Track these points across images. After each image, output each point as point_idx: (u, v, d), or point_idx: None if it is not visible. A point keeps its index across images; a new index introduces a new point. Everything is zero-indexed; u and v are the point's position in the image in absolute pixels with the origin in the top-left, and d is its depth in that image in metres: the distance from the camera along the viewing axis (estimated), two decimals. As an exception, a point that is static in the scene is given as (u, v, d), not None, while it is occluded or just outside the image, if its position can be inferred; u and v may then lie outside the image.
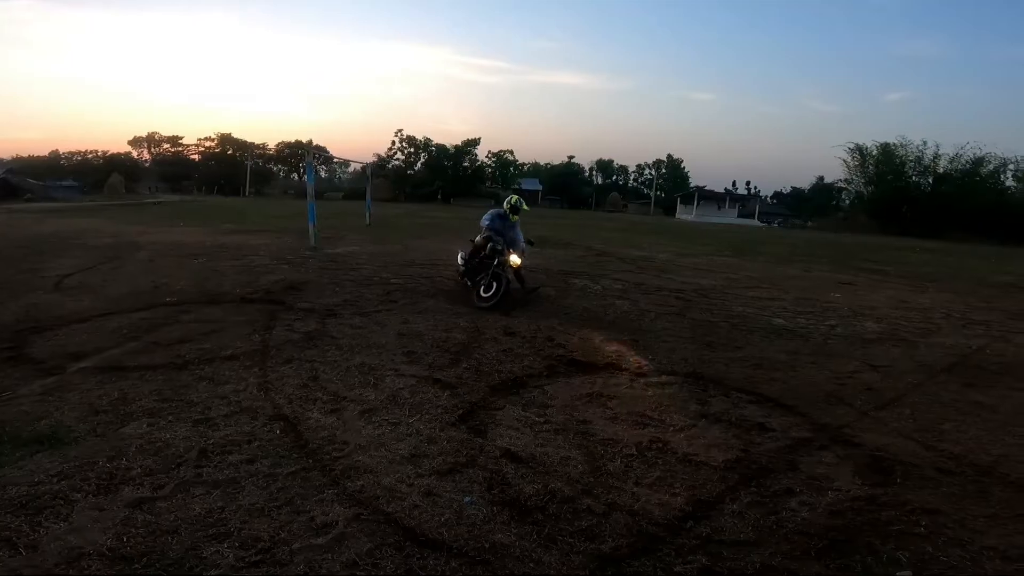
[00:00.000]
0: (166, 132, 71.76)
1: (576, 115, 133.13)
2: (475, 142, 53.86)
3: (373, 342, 4.95)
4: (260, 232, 13.69)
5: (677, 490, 2.76)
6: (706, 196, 56.93)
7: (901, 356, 5.46)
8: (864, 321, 7.03)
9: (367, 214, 17.09)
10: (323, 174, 71.96)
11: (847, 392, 4.31)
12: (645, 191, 73.83)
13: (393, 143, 54.73)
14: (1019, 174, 40.82)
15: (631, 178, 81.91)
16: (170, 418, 3.25)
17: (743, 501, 2.66)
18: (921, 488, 2.84)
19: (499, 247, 6.76)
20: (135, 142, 70.36)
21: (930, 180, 41.33)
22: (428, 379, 4.13)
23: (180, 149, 69.06)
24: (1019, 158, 40.60)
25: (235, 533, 2.22)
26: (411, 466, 2.85)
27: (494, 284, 6.52)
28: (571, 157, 74.65)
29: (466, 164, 54.29)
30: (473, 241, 7.24)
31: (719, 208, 54.60)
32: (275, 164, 67.95)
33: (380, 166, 52.17)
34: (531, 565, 2.17)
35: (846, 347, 5.73)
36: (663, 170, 76.98)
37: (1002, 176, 41.05)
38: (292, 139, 65.47)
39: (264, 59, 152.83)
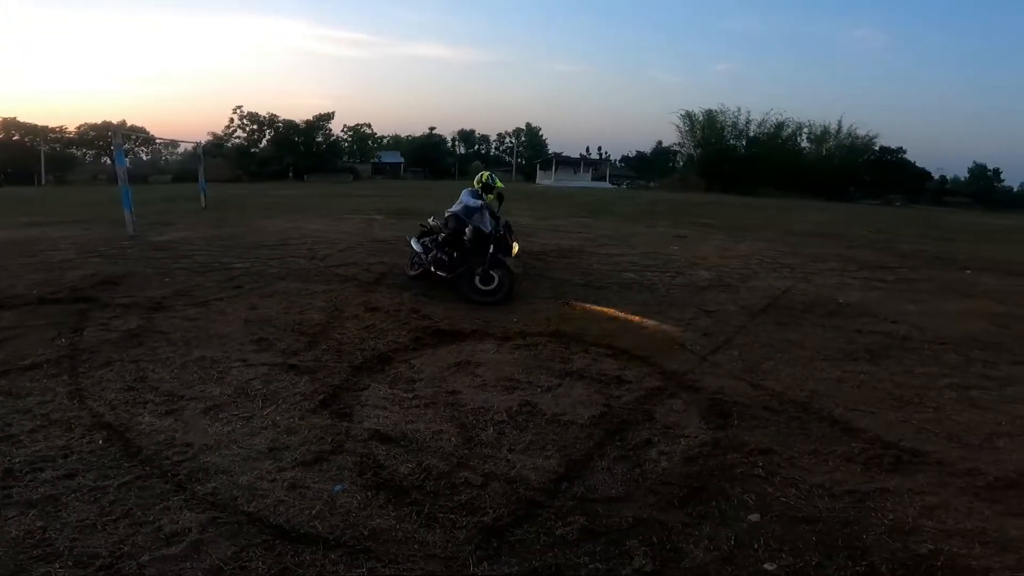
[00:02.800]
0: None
1: (438, 87, 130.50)
2: (328, 116, 50.88)
3: (214, 333, 4.47)
4: (64, 223, 11.55)
5: (550, 452, 2.85)
6: (563, 162, 59.40)
7: (727, 300, 6.18)
8: (697, 270, 7.86)
9: (202, 196, 15.25)
10: (144, 156, 63.71)
11: (688, 338, 4.77)
12: (507, 159, 75.14)
13: (231, 120, 49.67)
14: (812, 136, 48.21)
15: (492, 147, 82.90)
16: (-47, 444, 2.67)
17: (610, 457, 2.82)
18: (754, 428, 3.17)
19: (496, 232, 5.90)
20: None
21: (744, 143, 47.26)
22: (282, 366, 3.83)
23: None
24: (811, 122, 47.97)
25: (66, 552, 2.03)
26: (271, 461, 2.66)
27: (495, 276, 5.73)
28: (433, 128, 73.47)
29: (319, 139, 51.02)
30: (428, 225, 6.65)
31: (575, 173, 57.31)
32: (78, 148, 57.66)
33: (217, 145, 47.07)
34: (415, 547, 2.12)
35: (685, 295, 6.36)
36: (523, 138, 78.92)
37: (798, 138, 48.25)
38: (102, 120, 55.80)
39: (68, 34, 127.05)
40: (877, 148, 47.35)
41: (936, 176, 52.80)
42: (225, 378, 3.62)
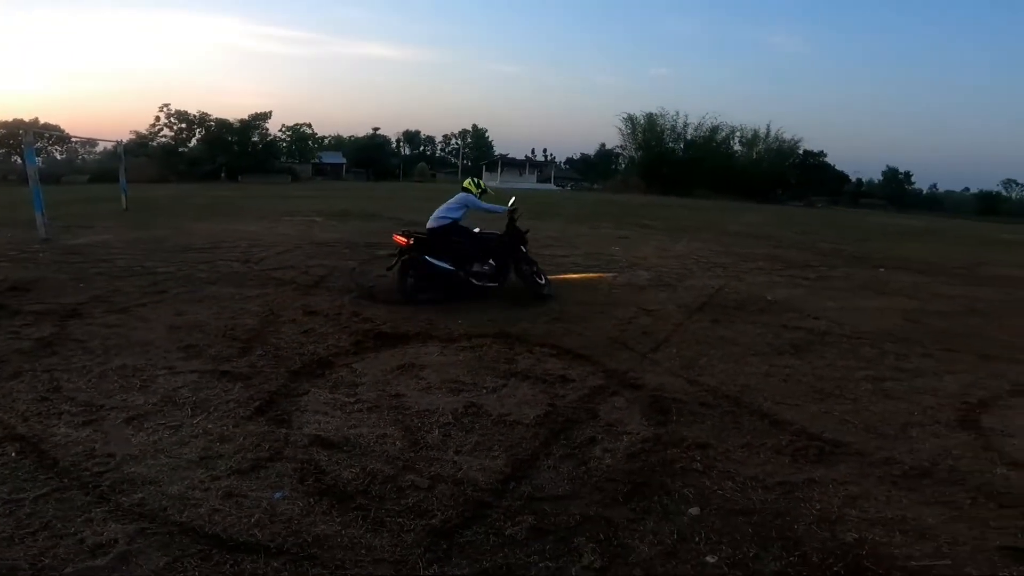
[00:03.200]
0: None
1: (382, 87, 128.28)
2: (265, 116, 48.89)
3: (136, 340, 4.21)
4: (-37, 223, 10.54)
5: (496, 453, 2.85)
6: (509, 163, 59.85)
7: (666, 299, 6.40)
8: (638, 270, 8.10)
9: (123, 197, 14.29)
10: (59, 156, 59.01)
11: (629, 337, 4.89)
12: (452, 160, 74.78)
13: (157, 119, 46.84)
14: (743, 140, 50.74)
15: (438, 148, 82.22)
16: None
17: (556, 455, 2.85)
18: (692, 424, 3.28)
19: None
20: None
21: (682, 146, 49.15)
22: (213, 373, 3.66)
23: None
24: (743, 126, 50.50)
25: (-18, 564, 1.85)
26: (203, 470, 2.56)
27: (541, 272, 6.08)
28: (376, 129, 72.32)
29: (255, 139, 48.97)
30: (416, 234, 6.20)
31: (520, 174, 57.86)
32: (-18, 147, 52.70)
33: (140, 144, 44.33)
34: (362, 552, 2.08)
35: (626, 295, 6.53)
36: (469, 140, 78.68)
37: (731, 142, 50.66)
38: (12, 118, 51.17)
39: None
40: (801, 152, 50.43)
41: (853, 179, 56.90)
42: (149, 387, 3.43)
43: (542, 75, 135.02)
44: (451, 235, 5.95)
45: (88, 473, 2.51)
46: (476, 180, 6.57)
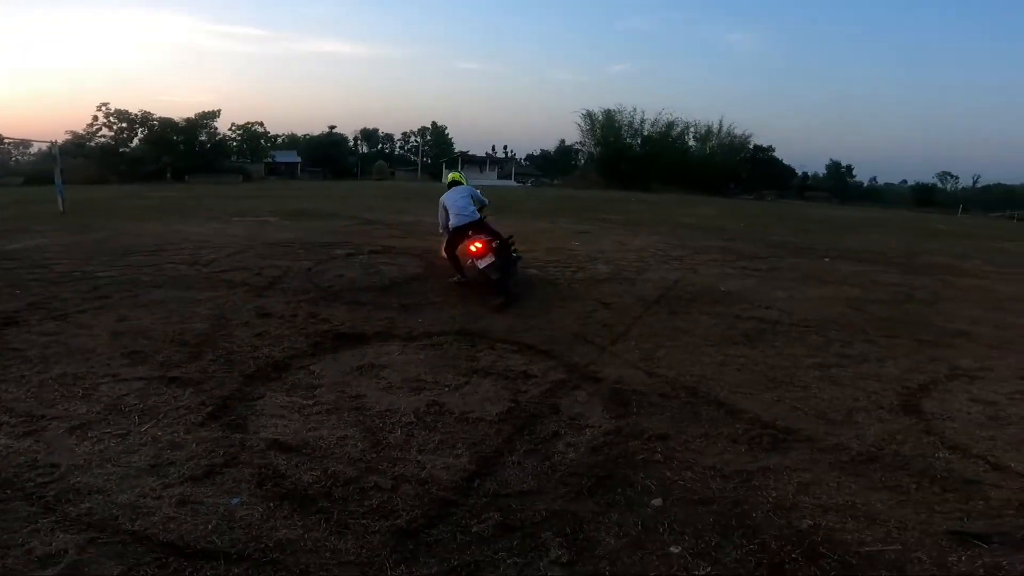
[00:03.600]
0: None
1: (338, 85, 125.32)
2: (213, 114, 47.05)
3: (77, 348, 4.00)
4: None
5: (460, 451, 2.84)
6: (469, 160, 59.42)
7: (625, 293, 6.50)
8: (597, 264, 8.20)
9: (60, 199, 13.50)
10: (-14, 157, 55.10)
11: (589, 331, 4.95)
12: (412, 158, 73.80)
13: (95, 118, 44.43)
14: (697, 135, 52.00)
15: (397, 146, 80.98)
16: None
17: (520, 451, 2.86)
18: (651, 415, 3.34)
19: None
20: None
21: (639, 141, 49.99)
22: (161, 379, 3.52)
23: None
24: (697, 122, 51.73)
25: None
26: (153, 477, 2.48)
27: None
28: (333, 127, 70.41)
29: (203, 138, 47.11)
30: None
31: (481, 171, 57.56)
32: None
33: (78, 144, 42.01)
34: (327, 555, 2.05)
35: (585, 289, 6.61)
36: (428, 137, 77.75)
37: (686, 137, 51.87)
38: None
39: None
40: (752, 147, 52.13)
41: (800, 173, 59.28)
42: (92, 395, 3.28)
43: (502, 72, 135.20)
44: (480, 231, 6.04)
45: (32, 484, 2.42)
46: (458, 176, 6.69)
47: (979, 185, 59.91)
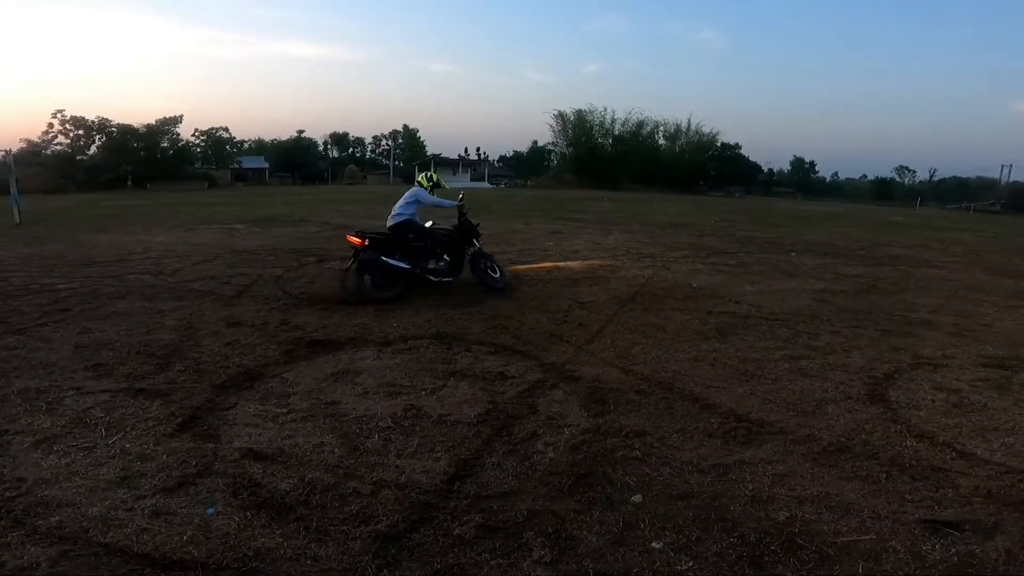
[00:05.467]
0: None
1: (307, 88, 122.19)
2: (175, 120, 45.78)
3: (38, 362, 3.87)
4: None
5: (439, 454, 2.82)
6: (442, 163, 59.05)
7: (599, 291, 6.56)
8: (571, 263, 8.24)
9: (15, 210, 12.99)
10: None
11: (565, 330, 4.97)
12: (384, 162, 73.06)
13: (51, 125, 42.87)
14: (667, 134, 52.78)
15: (368, 149, 79.97)
16: None
17: (499, 452, 2.85)
18: (629, 412, 3.37)
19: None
20: None
21: (610, 141, 50.52)
22: (128, 391, 3.43)
23: None
24: (666, 121, 52.52)
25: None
26: (124, 489, 2.42)
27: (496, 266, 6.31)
28: (301, 131, 69.12)
29: (165, 145, 45.86)
30: (371, 234, 6.06)
31: (454, 173, 57.29)
32: None
33: (33, 153, 40.51)
34: (308, 563, 2.02)
35: (560, 288, 6.64)
36: (400, 140, 77.03)
37: (656, 136, 52.59)
38: None
39: None
40: (719, 144, 53.11)
41: (766, 169, 60.57)
42: (57, 409, 3.18)
43: (474, 73, 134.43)
44: (407, 232, 6.02)
45: None
46: (429, 174, 6.60)
47: (936, 179, 62.17)
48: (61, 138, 43.37)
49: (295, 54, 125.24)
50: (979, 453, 2.98)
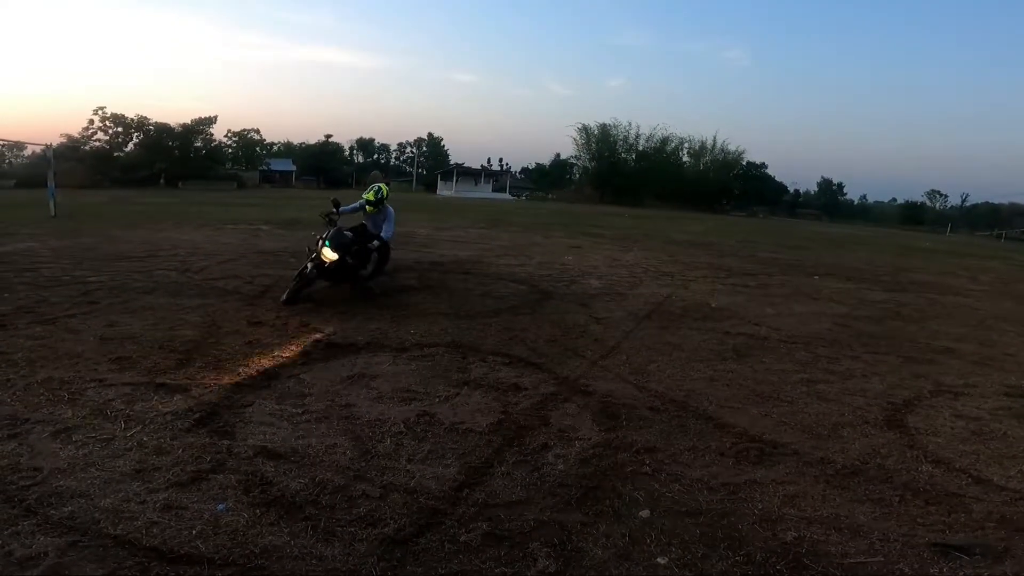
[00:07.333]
0: None
1: (336, 94, 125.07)
2: (210, 120, 46.96)
3: (64, 352, 3.98)
4: None
5: (449, 461, 2.84)
6: (464, 172, 59.56)
7: (616, 308, 6.54)
8: (589, 279, 8.25)
9: (51, 203, 13.45)
10: (-20, 159, 54.66)
11: (580, 345, 4.96)
12: (407, 169, 74.04)
13: (91, 122, 44.28)
14: (691, 151, 52.59)
15: (393, 156, 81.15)
16: None
17: (509, 462, 2.86)
18: (640, 428, 3.36)
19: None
20: None
21: (633, 156, 50.46)
22: (148, 385, 3.51)
23: None
24: (691, 138, 52.35)
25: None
26: (138, 482, 2.47)
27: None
28: (329, 136, 70.38)
29: (199, 144, 47.05)
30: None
31: (476, 184, 57.72)
32: None
33: (72, 148, 41.87)
34: (313, 562, 2.05)
35: (577, 304, 6.64)
36: (424, 148, 78.04)
37: (680, 153, 52.41)
38: None
39: None
40: (744, 163, 52.71)
41: (791, 189, 59.96)
42: (78, 400, 3.25)
43: (499, 84, 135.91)
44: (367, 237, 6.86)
45: (13, 487, 2.39)
46: (379, 187, 7.00)
47: (967, 204, 60.89)
48: (100, 135, 44.68)
49: (326, 60, 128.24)
50: (995, 480, 2.93)
